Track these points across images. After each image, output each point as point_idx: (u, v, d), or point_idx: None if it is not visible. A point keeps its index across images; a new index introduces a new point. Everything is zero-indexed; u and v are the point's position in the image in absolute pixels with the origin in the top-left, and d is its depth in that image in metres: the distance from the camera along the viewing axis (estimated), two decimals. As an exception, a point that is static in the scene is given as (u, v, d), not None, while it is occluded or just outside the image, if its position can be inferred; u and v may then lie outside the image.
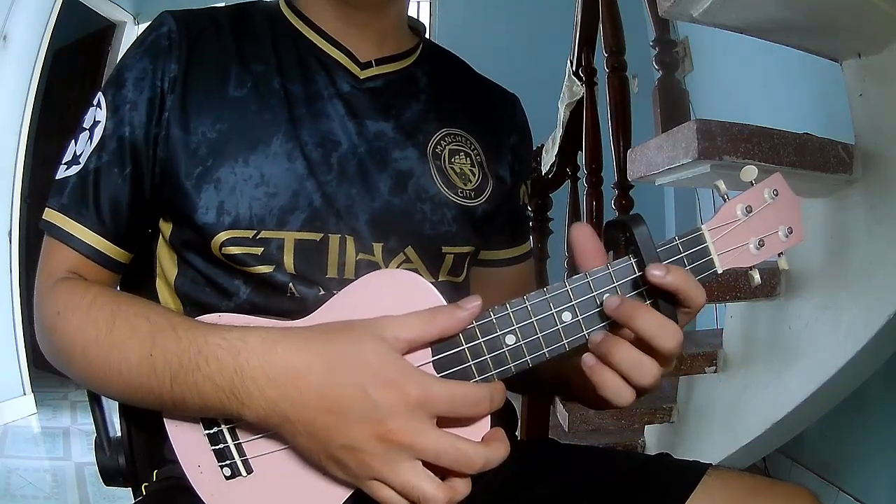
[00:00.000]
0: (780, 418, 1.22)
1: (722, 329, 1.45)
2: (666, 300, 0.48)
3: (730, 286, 1.20)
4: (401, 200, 0.63)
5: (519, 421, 1.14)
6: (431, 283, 0.50)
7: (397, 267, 0.62)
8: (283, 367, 0.46)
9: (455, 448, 0.45)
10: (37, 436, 2.77)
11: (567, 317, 0.49)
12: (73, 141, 0.63)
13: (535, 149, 1.24)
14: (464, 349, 0.48)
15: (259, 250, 0.59)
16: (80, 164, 0.61)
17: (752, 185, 0.51)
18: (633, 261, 0.49)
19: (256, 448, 0.52)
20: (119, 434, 0.71)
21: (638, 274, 0.49)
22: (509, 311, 0.49)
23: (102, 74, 3.59)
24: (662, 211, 3.27)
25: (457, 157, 0.68)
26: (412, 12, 0.75)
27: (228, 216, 0.59)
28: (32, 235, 3.15)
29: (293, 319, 0.53)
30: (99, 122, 0.62)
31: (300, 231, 0.60)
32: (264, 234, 0.59)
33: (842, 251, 1.13)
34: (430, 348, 0.48)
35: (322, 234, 0.60)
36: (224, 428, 0.52)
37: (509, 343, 0.49)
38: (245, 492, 0.53)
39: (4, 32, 2.75)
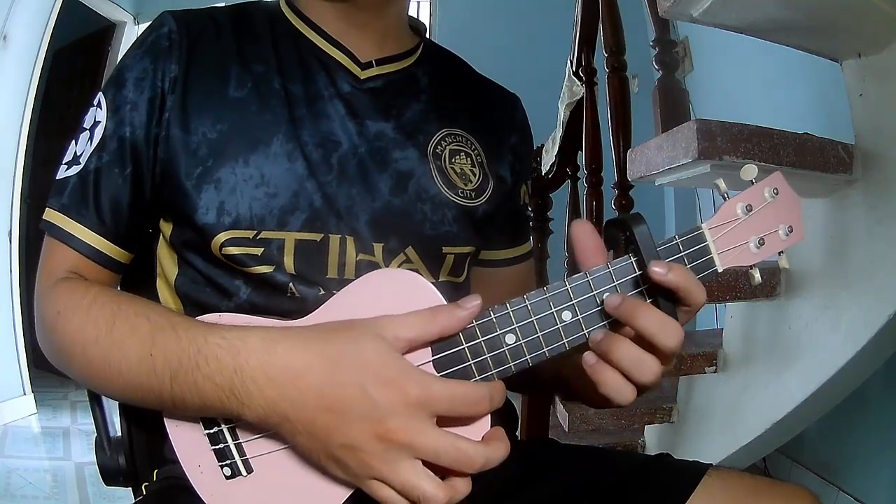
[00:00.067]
0: (780, 418, 1.22)
1: (722, 329, 1.45)
2: (666, 298, 0.48)
3: (730, 286, 1.20)
4: (401, 201, 0.63)
5: (519, 421, 1.14)
6: (432, 283, 0.50)
7: (398, 267, 0.62)
8: (283, 366, 0.46)
9: (455, 447, 0.45)
10: (37, 436, 2.77)
11: (567, 316, 0.49)
12: (73, 141, 0.63)
13: (535, 149, 1.24)
14: (464, 348, 0.48)
15: (259, 251, 0.59)
16: (80, 164, 0.61)
17: (753, 183, 0.51)
18: (633, 260, 0.49)
19: (256, 448, 0.52)
20: (119, 434, 0.71)
21: (638, 273, 0.49)
22: (509, 310, 0.49)
23: (102, 74, 3.59)
24: (662, 211, 3.27)
25: (457, 157, 0.68)
26: (412, 12, 0.75)
27: (229, 216, 0.59)
28: (32, 235, 3.15)
29: (293, 319, 0.53)
30: (99, 122, 0.62)
31: (300, 231, 0.60)
32: (264, 234, 0.59)
33: (842, 251, 1.13)
34: (429, 348, 0.48)
35: (322, 235, 0.60)
36: (224, 428, 0.52)
37: (509, 342, 0.49)
38: (245, 491, 0.53)
39: (4, 32, 2.75)
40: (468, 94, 0.75)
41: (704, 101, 2.57)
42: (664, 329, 0.46)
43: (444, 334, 0.48)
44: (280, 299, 0.60)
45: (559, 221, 2.20)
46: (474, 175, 0.68)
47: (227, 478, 0.52)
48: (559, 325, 0.49)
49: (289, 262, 0.60)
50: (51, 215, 0.61)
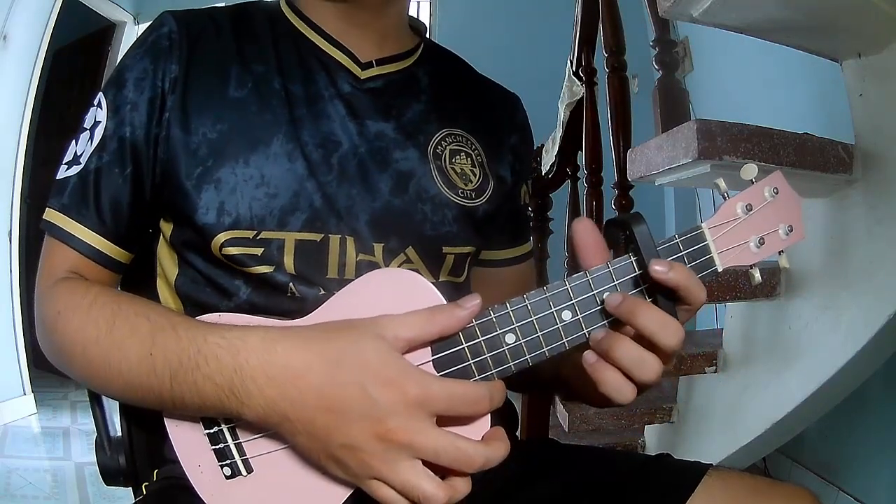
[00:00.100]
0: (780, 418, 1.22)
1: (722, 329, 1.45)
2: (667, 297, 0.48)
3: (730, 286, 1.20)
4: (401, 201, 0.63)
5: (519, 421, 1.14)
6: (432, 283, 0.50)
7: (398, 267, 0.62)
8: (283, 366, 0.46)
9: (455, 447, 0.45)
10: (37, 436, 2.77)
11: (567, 315, 0.49)
12: (73, 141, 0.63)
13: (535, 149, 1.24)
14: (463, 348, 0.48)
15: (259, 251, 0.59)
16: (80, 164, 0.61)
17: (753, 183, 0.51)
18: (632, 259, 0.49)
19: (256, 447, 0.52)
20: (119, 434, 0.71)
21: (638, 272, 0.49)
22: (509, 309, 0.49)
23: (102, 74, 3.59)
24: (662, 211, 3.27)
25: (457, 157, 0.68)
26: (412, 12, 0.75)
27: (229, 217, 0.59)
28: (32, 235, 3.15)
29: (293, 319, 0.53)
30: (99, 122, 0.62)
31: (300, 232, 0.60)
32: (265, 234, 0.59)
33: (842, 251, 1.13)
34: (429, 347, 0.48)
35: (322, 235, 0.60)
36: (224, 427, 0.52)
37: (509, 342, 0.49)
38: (245, 491, 0.53)
39: (4, 32, 2.75)
40: (468, 94, 0.75)
41: (704, 101, 2.58)
42: (665, 328, 0.46)
43: (444, 334, 0.48)
44: (280, 299, 0.60)
45: (559, 221, 2.20)
46: (474, 175, 0.68)
47: (227, 477, 0.52)
48: (559, 325, 0.49)
49: (289, 262, 0.60)
50: (51, 215, 0.61)
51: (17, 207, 3.04)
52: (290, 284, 0.59)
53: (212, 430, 0.53)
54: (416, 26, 0.75)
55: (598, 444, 1.56)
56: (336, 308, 0.52)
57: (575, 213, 2.01)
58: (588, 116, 1.78)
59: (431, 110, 0.69)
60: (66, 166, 0.62)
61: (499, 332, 0.48)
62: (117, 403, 0.69)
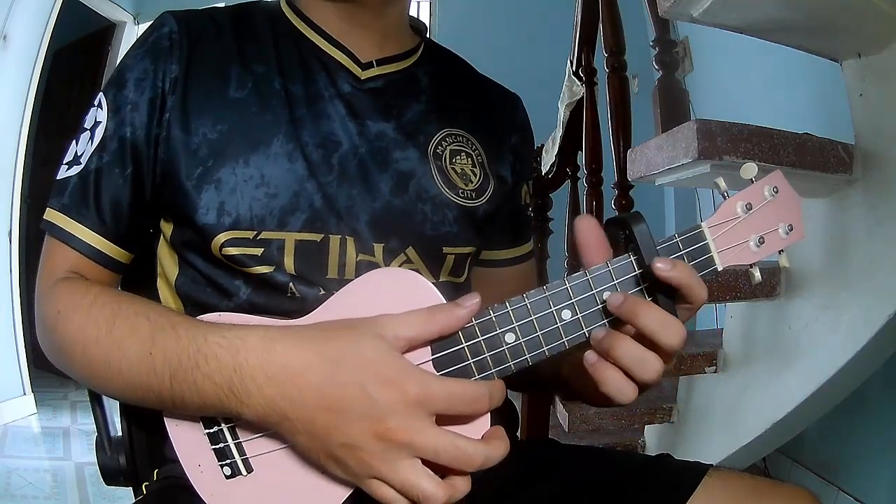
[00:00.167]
0: (780, 418, 1.22)
1: (722, 329, 1.45)
2: (667, 296, 0.48)
3: (730, 286, 1.20)
4: (401, 201, 0.63)
5: (519, 421, 1.14)
6: (432, 283, 0.50)
7: (398, 267, 0.62)
8: (282, 365, 0.46)
9: (454, 446, 0.45)
10: (37, 436, 2.77)
11: (567, 315, 0.49)
12: (74, 141, 0.63)
13: (535, 149, 1.24)
14: (463, 347, 0.48)
15: (259, 251, 0.59)
16: (80, 164, 0.61)
17: (752, 182, 0.51)
18: (632, 258, 0.49)
19: (256, 447, 0.52)
20: (120, 433, 0.71)
21: (638, 271, 0.49)
22: (509, 309, 0.49)
23: (102, 74, 3.59)
24: (662, 211, 3.27)
25: (458, 157, 0.68)
26: (412, 12, 0.75)
27: (229, 217, 0.59)
28: (32, 235, 3.15)
29: (293, 319, 0.53)
30: (100, 122, 0.62)
31: (301, 232, 0.60)
32: (265, 234, 0.59)
33: (842, 251, 1.13)
34: (429, 347, 0.48)
35: (322, 235, 0.60)
36: (224, 427, 0.52)
37: (509, 341, 0.49)
38: (245, 491, 0.53)
39: (4, 32, 2.75)
40: (469, 94, 0.75)
41: (704, 101, 2.58)
42: (666, 327, 0.46)
43: (444, 333, 0.48)
44: (280, 299, 0.60)
45: (559, 221, 2.20)
46: (475, 175, 0.68)
47: (227, 477, 0.52)
48: (559, 324, 0.49)
49: (289, 262, 0.60)
50: (51, 215, 0.61)
51: (17, 207, 3.04)
52: (290, 284, 0.59)
53: (212, 430, 0.53)
54: (416, 26, 0.75)
55: (598, 444, 1.56)
56: (336, 308, 0.52)
57: (575, 213, 2.01)
58: (588, 116, 1.78)
59: (432, 110, 0.69)
60: (67, 166, 0.62)
61: (498, 331, 0.49)
62: (118, 403, 0.69)
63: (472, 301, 0.47)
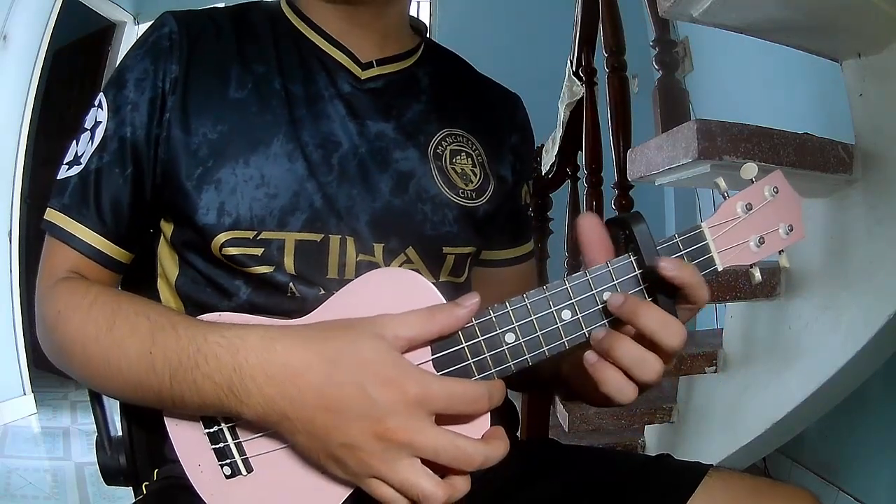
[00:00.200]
0: (780, 418, 1.22)
1: (722, 329, 1.45)
2: (668, 296, 0.48)
3: (730, 286, 1.20)
4: (401, 201, 0.63)
5: (520, 421, 1.14)
6: (432, 282, 0.50)
7: (398, 267, 0.62)
8: (282, 364, 0.46)
9: (454, 445, 0.45)
10: (37, 436, 2.77)
11: (567, 315, 0.49)
12: (74, 141, 0.63)
13: (535, 148, 1.24)
14: (463, 347, 0.48)
15: (259, 251, 0.59)
16: (81, 164, 0.61)
17: (753, 182, 0.51)
18: (632, 258, 0.49)
19: (256, 447, 0.52)
20: (120, 433, 0.71)
21: (638, 272, 0.49)
22: (509, 309, 0.49)
23: (102, 74, 3.59)
24: (662, 211, 3.27)
25: (458, 157, 0.68)
26: (412, 12, 0.75)
27: (229, 217, 0.59)
28: (32, 235, 3.15)
29: (293, 319, 0.53)
30: (100, 122, 0.62)
31: (301, 232, 0.60)
32: (265, 234, 0.59)
33: (842, 251, 1.13)
34: (429, 347, 0.48)
35: (322, 235, 0.60)
36: (224, 427, 0.52)
37: (509, 341, 0.49)
38: (245, 491, 0.53)
39: (4, 32, 2.75)
40: (469, 94, 0.75)
41: (704, 101, 2.58)
42: (666, 328, 0.46)
43: (444, 333, 0.48)
44: (280, 299, 0.60)
45: (559, 221, 2.20)
46: (475, 175, 0.68)
47: (227, 477, 0.52)
48: (559, 324, 0.49)
49: (289, 262, 0.60)
50: (52, 215, 0.61)
51: (17, 207, 3.04)
52: (290, 284, 0.59)
53: (212, 430, 0.53)
54: (416, 26, 0.75)
55: (598, 444, 1.56)
56: (336, 308, 0.52)
57: (575, 213, 2.01)
58: (588, 116, 1.78)
59: (432, 110, 0.69)
60: (67, 166, 0.62)
61: (498, 331, 0.49)
62: (118, 403, 0.69)
63: (471, 301, 0.47)
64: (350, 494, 0.50)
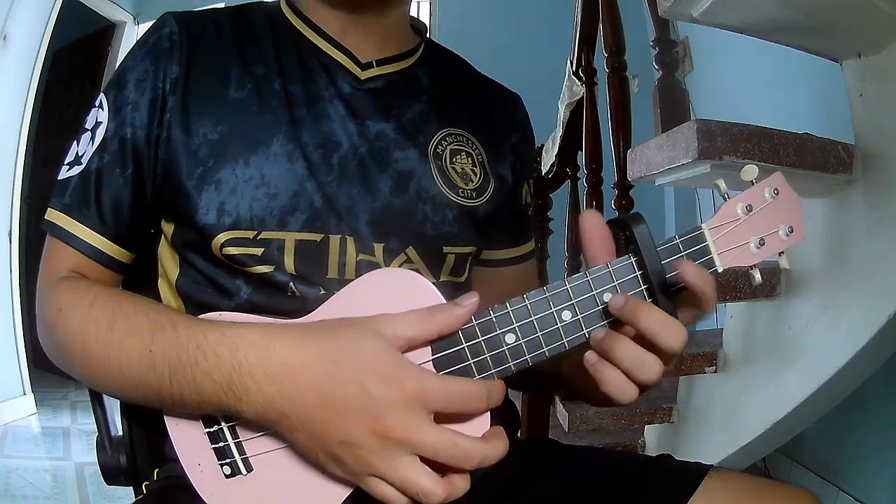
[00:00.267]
0: (780, 418, 1.22)
1: (722, 329, 1.45)
2: (668, 298, 0.48)
3: (730, 286, 1.20)
4: (402, 201, 0.63)
5: (520, 421, 1.14)
6: (432, 282, 0.50)
7: (398, 267, 0.62)
8: (281, 363, 0.46)
9: (453, 444, 0.45)
10: (37, 436, 2.77)
11: (567, 315, 0.49)
12: (75, 142, 0.64)
13: (535, 148, 1.24)
14: (463, 347, 0.49)
15: (259, 251, 0.59)
16: (81, 164, 0.61)
17: (753, 184, 0.51)
18: (633, 259, 0.49)
19: (256, 446, 0.52)
20: (120, 433, 0.72)
21: (638, 272, 0.49)
22: (509, 309, 0.49)
23: (102, 74, 3.59)
24: (662, 211, 3.27)
25: (458, 157, 0.68)
26: (412, 12, 0.75)
27: (229, 217, 0.59)
28: (32, 235, 3.15)
29: (293, 319, 0.53)
30: (101, 122, 0.62)
31: (301, 232, 0.60)
32: (265, 234, 0.60)
33: (842, 251, 1.13)
34: (429, 347, 0.48)
35: (322, 235, 0.61)
36: (224, 426, 0.52)
37: (509, 342, 0.49)
38: (245, 490, 0.53)
39: (4, 32, 2.75)
40: (469, 94, 0.75)
41: (704, 101, 2.57)
42: (667, 329, 0.46)
43: (444, 333, 0.48)
44: (280, 299, 0.60)
45: (559, 221, 2.20)
46: (475, 175, 0.68)
47: (227, 476, 0.53)
48: (559, 325, 0.49)
49: (289, 262, 0.60)
50: (53, 215, 0.61)
51: (17, 207, 3.04)
52: (291, 284, 0.59)
53: (212, 429, 0.53)
54: (416, 26, 0.75)
55: (598, 444, 1.56)
56: (336, 307, 0.52)
57: (575, 213, 2.01)
58: (588, 116, 1.78)
59: (432, 110, 0.69)
60: (68, 167, 0.62)
61: (498, 331, 0.49)
62: (118, 402, 0.69)
63: (470, 300, 0.48)
64: (350, 494, 0.50)
